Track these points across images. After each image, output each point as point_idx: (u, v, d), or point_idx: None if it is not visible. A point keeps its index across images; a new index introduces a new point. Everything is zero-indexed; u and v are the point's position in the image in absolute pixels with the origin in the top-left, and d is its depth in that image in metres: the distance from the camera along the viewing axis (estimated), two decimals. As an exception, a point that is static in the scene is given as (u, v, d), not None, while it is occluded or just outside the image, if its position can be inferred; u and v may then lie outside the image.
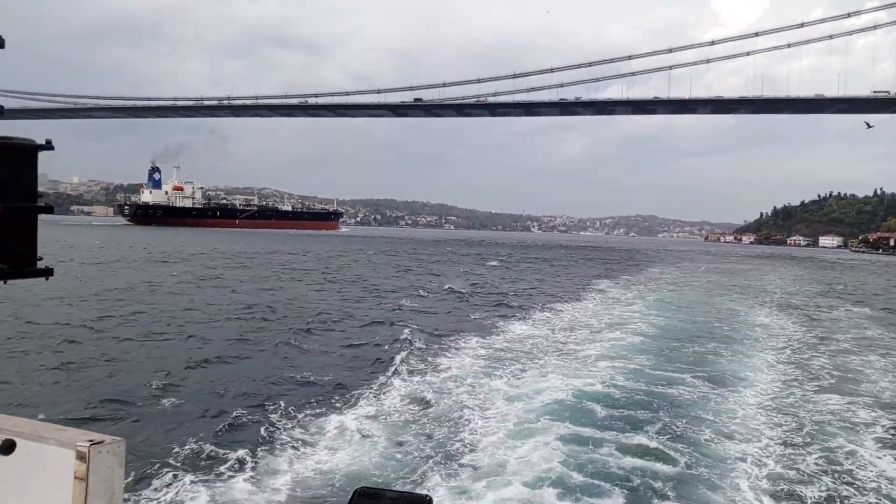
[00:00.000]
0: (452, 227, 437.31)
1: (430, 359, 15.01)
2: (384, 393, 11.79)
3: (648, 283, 40.18)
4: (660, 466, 8.28)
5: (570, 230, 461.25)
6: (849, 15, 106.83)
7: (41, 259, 1.88)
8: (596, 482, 7.65)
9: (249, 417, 10.08)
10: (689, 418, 10.52)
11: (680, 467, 8.36)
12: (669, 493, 7.53)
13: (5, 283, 1.83)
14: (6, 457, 1.62)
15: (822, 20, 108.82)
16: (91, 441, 1.88)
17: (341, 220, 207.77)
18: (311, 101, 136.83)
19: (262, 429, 9.50)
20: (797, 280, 50.68)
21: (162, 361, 14.02)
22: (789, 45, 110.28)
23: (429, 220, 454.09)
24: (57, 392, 11.42)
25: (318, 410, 10.61)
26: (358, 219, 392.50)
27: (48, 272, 1.92)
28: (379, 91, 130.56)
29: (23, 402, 10.49)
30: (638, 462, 8.37)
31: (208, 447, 8.63)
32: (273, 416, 10.21)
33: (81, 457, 1.85)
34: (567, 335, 18.96)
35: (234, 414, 10.22)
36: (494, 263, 58.15)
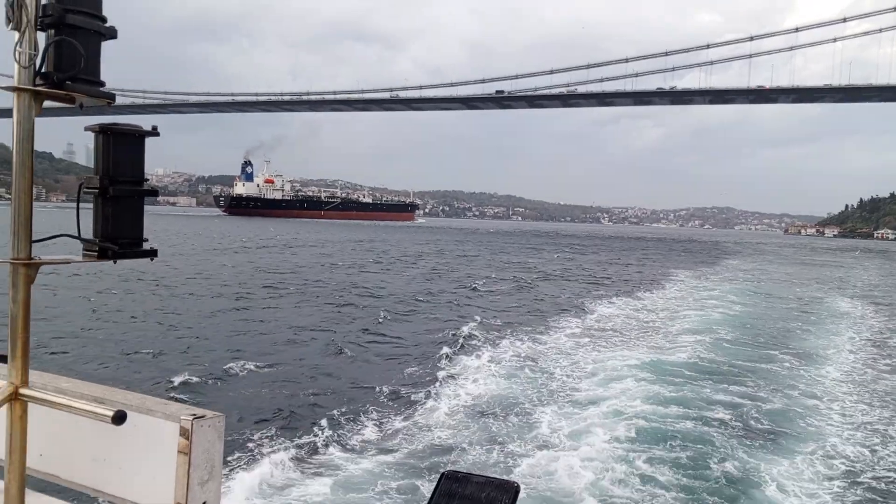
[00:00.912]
0: (520, 218, 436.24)
1: (526, 342, 15.90)
2: (469, 379, 12.09)
3: (728, 273, 40.86)
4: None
5: (642, 222, 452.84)
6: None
7: (146, 240, 2.02)
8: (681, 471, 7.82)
9: (338, 396, 10.66)
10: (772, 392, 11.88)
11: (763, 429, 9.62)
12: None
13: (115, 262, 1.97)
14: (118, 427, 1.77)
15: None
16: (194, 415, 2.02)
17: (417, 211, 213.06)
18: (386, 95, 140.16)
19: (350, 407, 10.03)
20: (877, 271, 49.92)
21: (267, 337, 15.76)
22: (881, 31, 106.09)
23: (496, 211, 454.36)
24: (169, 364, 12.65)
25: (407, 392, 11.07)
26: (427, 210, 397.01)
27: (153, 253, 2.05)
28: (452, 84, 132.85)
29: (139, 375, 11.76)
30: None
31: (299, 424, 9.14)
32: (360, 395, 10.83)
33: (184, 430, 1.99)
34: (653, 319, 20.52)
35: (324, 391, 10.92)
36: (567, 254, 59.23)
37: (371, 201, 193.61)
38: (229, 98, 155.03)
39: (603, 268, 43.83)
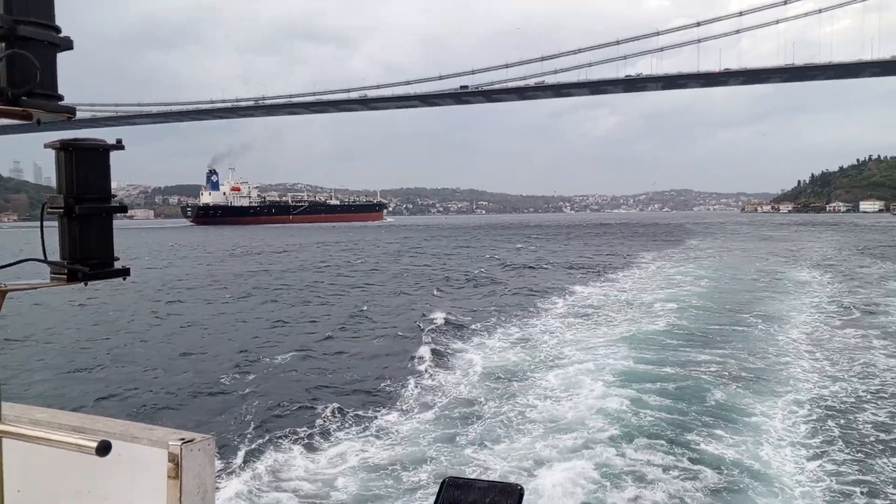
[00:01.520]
0: (484, 211, 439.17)
1: (506, 336, 15.64)
2: (457, 377, 11.89)
3: (692, 252, 42.59)
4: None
5: (603, 208, 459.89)
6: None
7: (118, 259, 1.94)
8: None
9: (324, 404, 10.24)
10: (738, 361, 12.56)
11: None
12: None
13: (86, 285, 1.89)
14: (102, 458, 1.64)
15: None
16: (182, 440, 1.95)
17: (384, 210, 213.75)
18: (343, 96, 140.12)
19: (337, 417, 9.70)
20: (826, 241, 52.34)
21: (242, 352, 14.88)
22: (820, 11, 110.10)
23: (460, 206, 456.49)
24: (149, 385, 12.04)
25: (393, 396, 10.78)
26: (390, 209, 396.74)
27: (125, 272, 1.98)
28: (409, 82, 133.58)
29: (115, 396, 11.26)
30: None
31: (288, 437, 8.78)
32: (346, 401, 10.47)
33: (173, 456, 1.92)
34: (633, 298, 21.74)
35: (310, 400, 10.55)
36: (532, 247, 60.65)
37: (339, 203, 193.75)
38: (185, 107, 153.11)
39: (578, 253, 45.23)
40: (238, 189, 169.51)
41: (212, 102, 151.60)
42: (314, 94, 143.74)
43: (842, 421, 8.93)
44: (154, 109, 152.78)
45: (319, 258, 45.29)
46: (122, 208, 2.01)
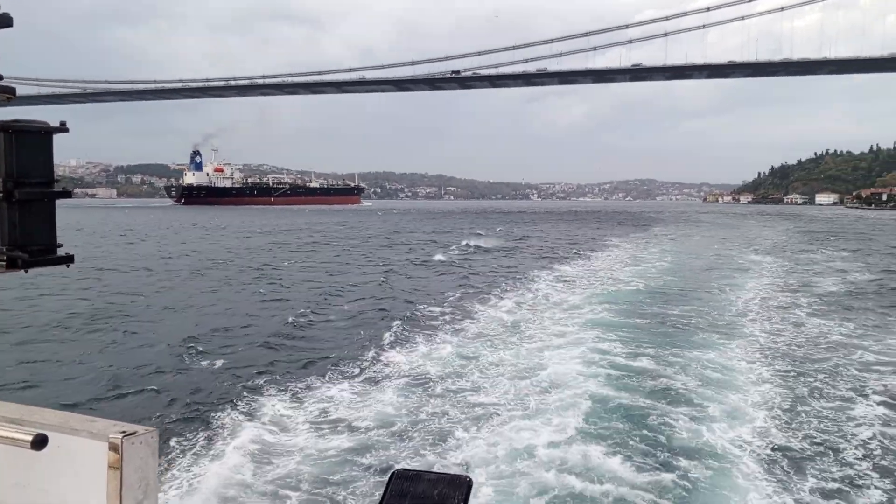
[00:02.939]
0: (452, 197, 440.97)
1: (460, 322, 15.42)
2: (411, 365, 11.58)
3: (658, 238, 45.76)
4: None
5: (570, 196, 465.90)
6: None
7: (61, 246, 1.87)
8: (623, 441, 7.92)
9: (275, 396, 9.88)
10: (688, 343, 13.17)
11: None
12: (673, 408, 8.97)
13: (26, 272, 1.82)
14: (39, 451, 1.58)
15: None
16: (123, 432, 1.87)
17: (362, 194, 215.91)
18: (317, 78, 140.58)
19: (291, 409, 9.32)
20: (779, 230, 56.28)
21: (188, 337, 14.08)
22: (782, 9, 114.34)
23: (428, 191, 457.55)
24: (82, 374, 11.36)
25: (345, 388, 10.33)
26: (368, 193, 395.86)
27: (68, 259, 1.90)
28: (383, 66, 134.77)
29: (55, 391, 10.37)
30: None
31: (238, 430, 8.40)
32: (300, 393, 10.08)
33: (115, 448, 1.84)
34: (599, 279, 24.49)
35: (261, 391, 10.09)
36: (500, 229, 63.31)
37: (319, 186, 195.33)
38: (155, 85, 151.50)
39: (553, 237, 47.99)
40: (221, 170, 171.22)
41: (182, 81, 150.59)
42: (287, 75, 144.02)
43: (784, 366, 11.68)
44: (122, 87, 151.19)
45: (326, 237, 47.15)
46: (66, 193, 2.00)
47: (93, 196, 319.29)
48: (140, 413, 9.17)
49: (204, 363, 11.88)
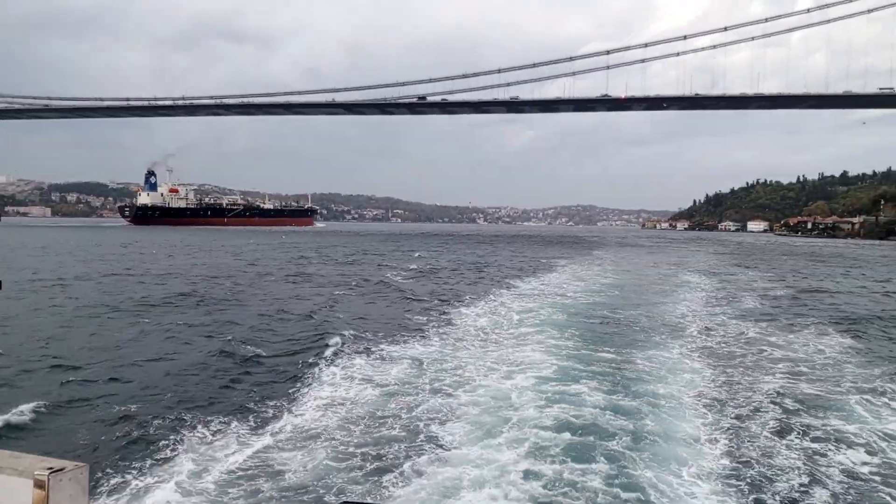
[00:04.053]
0: (399, 220, 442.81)
1: (402, 344, 15.27)
2: (355, 391, 11.13)
3: (600, 260, 48.90)
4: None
5: (515, 221, 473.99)
6: (766, 20, 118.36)
7: None
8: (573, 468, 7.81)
9: (215, 425, 9.36)
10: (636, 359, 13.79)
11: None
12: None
13: None
14: None
15: (742, 24, 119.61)
16: (50, 469, 1.76)
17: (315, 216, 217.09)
18: (267, 99, 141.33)
19: (230, 438, 8.89)
20: (710, 255, 60.62)
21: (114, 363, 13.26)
22: (714, 47, 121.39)
23: (375, 213, 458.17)
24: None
25: (289, 415, 9.91)
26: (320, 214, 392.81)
27: None
28: (335, 90, 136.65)
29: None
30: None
31: (175, 463, 8.00)
32: (241, 422, 9.57)
33: (40, 486, 1.73)
34: (543, 301, 26.87)
35: (200, 421, 9.51)
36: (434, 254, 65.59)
37: (272, 207, 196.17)
38: (97, 103, 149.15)
39: (505, 257, 50.51)
40: (176, 191, 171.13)
41: (128, 100, 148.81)
42: (237, 95, 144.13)
43: (716, 363, 14.23)
44: (64, 104, 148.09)
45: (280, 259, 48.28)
46: None
47: (25, 215, 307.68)
48: (70, 448, 8.47)
49: (142, 393, 11.01)
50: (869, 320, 20.25)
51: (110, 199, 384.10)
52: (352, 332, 16.41)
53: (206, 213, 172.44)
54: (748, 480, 7.56)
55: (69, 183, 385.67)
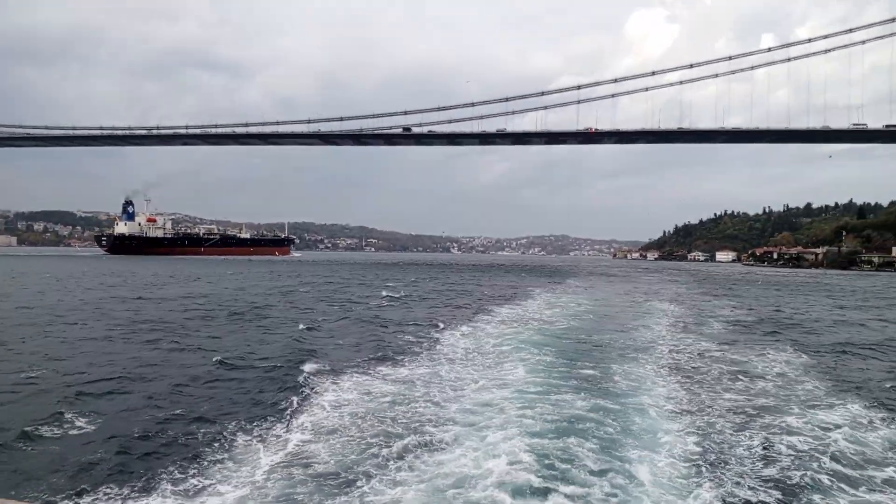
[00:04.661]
0: (373, 249, 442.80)
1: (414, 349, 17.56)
2: (329, 423, 10.74)
3: (572, 288, 50.46)
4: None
5: (489, 250, 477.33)
6: (729, 58, 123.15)
7: None
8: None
9: (170, 460, 8.96)
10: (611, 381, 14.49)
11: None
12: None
13: None
14: None
15: (707, 62, 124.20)
16: None
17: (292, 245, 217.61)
18: (243, 130, 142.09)
19: (188, 475, 8.45)
20: (680, 284, 62.71)
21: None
22: (681, 83, 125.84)
23: (349, 242, 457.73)
24: None
25: (246, 449, 9.50)
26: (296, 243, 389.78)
27: None
28: (310, 121, 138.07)
29: None
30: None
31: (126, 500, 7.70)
32: (198, 459, 9.02)
33: None
34: (521, 328, 28.08)
35: (154, 456, 9.11)
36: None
37: (249, 237, 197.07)
38: (71, 132, 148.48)
39: (484, 285, 51.79)
40: (154, 220, 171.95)
41: (102, 129, 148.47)
42: (212, 126, 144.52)
43: (685, 378, 15.59)
44: (37, 132, 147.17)
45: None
46: None
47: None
48: (18, 483, 8.15)
49: (93, 427, 10.41)
50: (819, 340, 22.34)
51: (78, 228, 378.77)
52: (341, 351, 17.61)
53: (184, 242, 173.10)
54: (711, 470, 8.85)
55: (35, 211, 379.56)
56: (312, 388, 13.05)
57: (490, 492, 7.80)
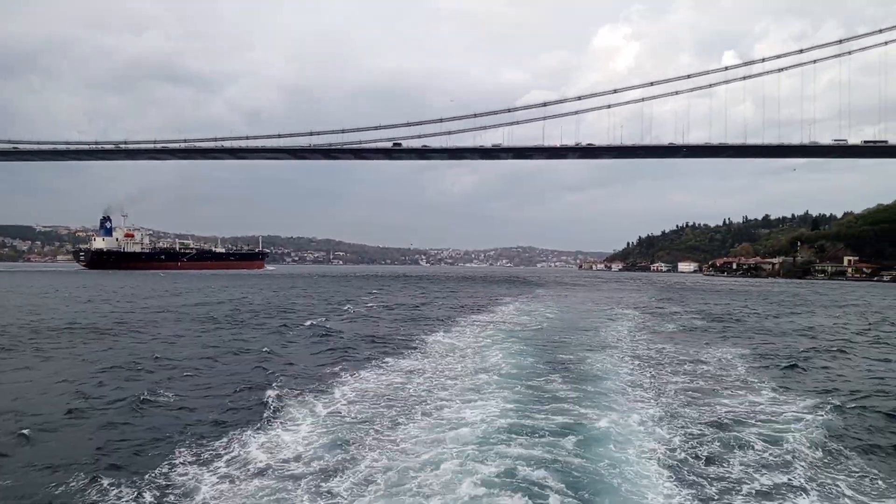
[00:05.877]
0: (341, 262, 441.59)
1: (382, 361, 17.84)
2: (305, 442, 10.27)
3: (541, 297, 53.02)
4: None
5: (457, 262, 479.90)
6: (688, 76, 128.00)
7: None
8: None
9: (131, 477, 8.56)
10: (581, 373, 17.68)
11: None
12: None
13: None
14: None
15: (668, 80, 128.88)
16: None
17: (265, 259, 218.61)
18: (212, 144, 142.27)
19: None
20: (642, 293, 65.85)
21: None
22: (643, 100, 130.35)
23: (316, 255, 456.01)
24: None
25: (219, 463, 9.23)
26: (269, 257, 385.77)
27: None
28: (280, 136, 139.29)
29: None
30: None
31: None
32: (161, 475, 8.69)
33: None
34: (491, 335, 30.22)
35: (119, 471, 8.81)
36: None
37: (224, 251, 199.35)
38: (36, 146, 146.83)
39: (452, 299, 53.90)
40: (131, 235, 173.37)
41: (68, 143, 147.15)
42: (181, 140, 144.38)
43: (651, 377, 17.99)
44: (1, 147, 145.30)
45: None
46: None
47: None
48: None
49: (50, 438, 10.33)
50: (760, 336, 25.44)
51: (38, 242, 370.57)
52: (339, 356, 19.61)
53: (161, 257, 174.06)
54: (669, 444, 10.29)
55: (5, 226, 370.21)
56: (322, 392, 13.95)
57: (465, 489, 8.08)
